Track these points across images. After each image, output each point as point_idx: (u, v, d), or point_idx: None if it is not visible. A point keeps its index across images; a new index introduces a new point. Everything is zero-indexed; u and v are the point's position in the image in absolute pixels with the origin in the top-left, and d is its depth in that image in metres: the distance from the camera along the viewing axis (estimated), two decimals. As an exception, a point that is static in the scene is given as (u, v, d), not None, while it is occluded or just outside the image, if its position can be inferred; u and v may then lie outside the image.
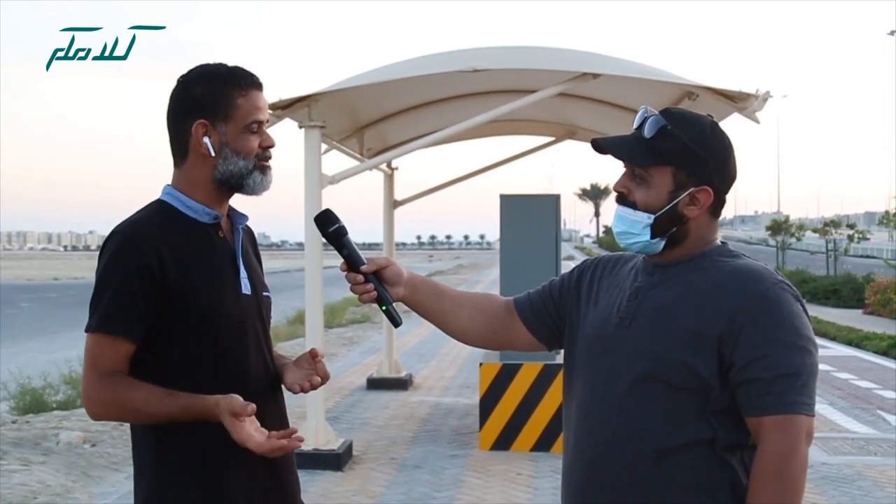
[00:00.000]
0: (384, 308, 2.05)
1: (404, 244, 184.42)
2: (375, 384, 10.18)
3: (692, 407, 1.80)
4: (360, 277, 2.03)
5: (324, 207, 2.14)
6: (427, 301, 2.13)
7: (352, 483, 6.25)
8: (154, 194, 2.13)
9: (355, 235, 2.13)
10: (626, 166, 1.90)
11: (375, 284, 2.04)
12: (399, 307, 2.10)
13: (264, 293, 2.19)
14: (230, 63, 2.11)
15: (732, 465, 1.81)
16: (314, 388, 2.12)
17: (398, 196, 10.40)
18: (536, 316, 2.11)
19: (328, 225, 2.09)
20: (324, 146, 7.14)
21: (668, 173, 1.85)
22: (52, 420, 7.94)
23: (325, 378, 2.13)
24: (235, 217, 2.17)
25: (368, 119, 8.80)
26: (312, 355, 2.13)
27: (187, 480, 2.00)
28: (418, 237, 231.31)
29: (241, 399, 1.92)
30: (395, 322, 2.07)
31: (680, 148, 1.84)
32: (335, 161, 8.98)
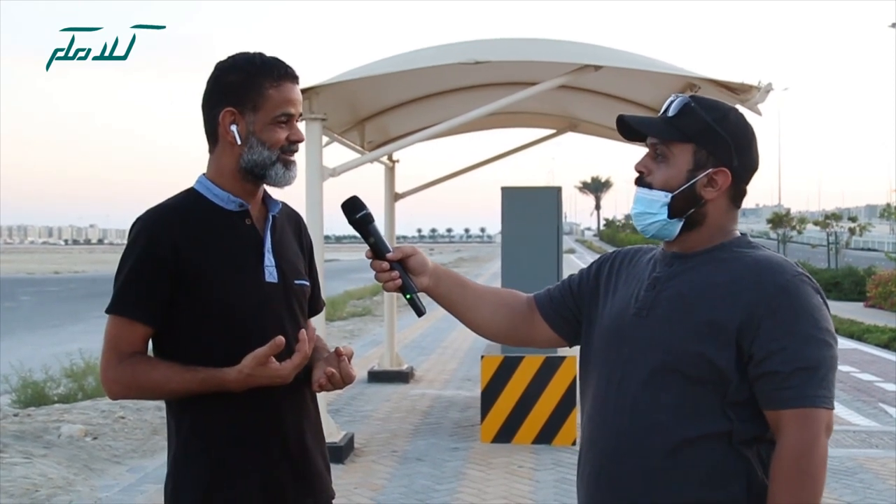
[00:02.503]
0: (408, 297, 2.03)
1: (405, 237, 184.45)
2: (377, 377, 10.19)
3: (709, 399, 1.78)
4: (386, 265, 2.01)
5: (351, 195, 2.10)
6: (450, 293, 2.11)
7: (353, 476, 6.26)
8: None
9: (356, 228, 2.10)
10: (648, 146, 1.91)
11: (400, 273, 2.02)
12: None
13: (297, 281, 2.16)
14: (269, 54, 2.11)
15: (748, 458, 1.79)
16: (335, 386, 2.09)
17: (399, 189, 10.39)
18: (556, 311, 2.11)
19: (355, 211, 2.06)
20: (325, 139, 7.12)
21: (689, 151, 1.85)
22: (54, 413, 7.94)
23: (346, 379, 2.08)
24: (269, 204, 2.17)
25: (369, 111, 8.78)
26: (337, 354, 2.11)
27: (202, 465, 2.03)
28: (419, 230, 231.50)
29: (254, 353, 1.94)
30: (419, 311, 2.04)
31: (702, 126, 1.85)
32: (336, 153, 9.01)
